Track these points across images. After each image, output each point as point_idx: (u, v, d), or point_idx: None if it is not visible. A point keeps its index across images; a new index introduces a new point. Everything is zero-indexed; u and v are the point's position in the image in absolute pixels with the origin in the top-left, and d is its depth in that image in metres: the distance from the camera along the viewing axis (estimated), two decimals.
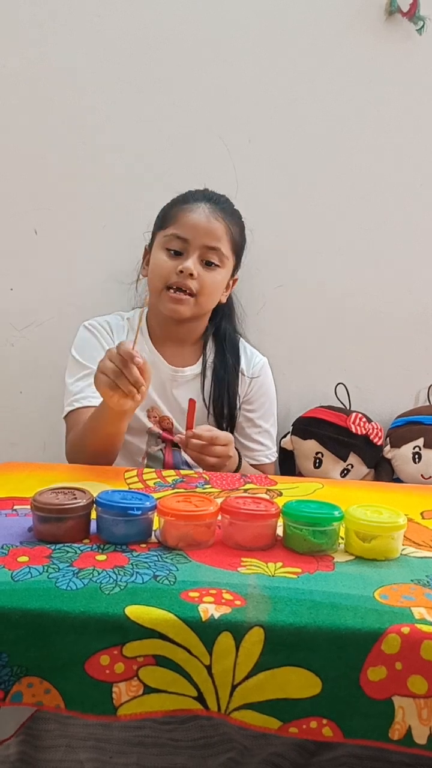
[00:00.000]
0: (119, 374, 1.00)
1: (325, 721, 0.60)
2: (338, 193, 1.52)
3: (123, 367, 1.00)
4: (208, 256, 1.25)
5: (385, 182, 1.52)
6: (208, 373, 1.35)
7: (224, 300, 1.36)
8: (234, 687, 0.60)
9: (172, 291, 1.25)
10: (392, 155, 1.51)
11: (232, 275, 1.34)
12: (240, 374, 1.36)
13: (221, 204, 1.29)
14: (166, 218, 1.29)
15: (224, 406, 1.33)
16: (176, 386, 1.34)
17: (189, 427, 1.14)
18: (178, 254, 1.25)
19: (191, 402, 1.16)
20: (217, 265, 1.27)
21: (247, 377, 1.37)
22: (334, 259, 1.54)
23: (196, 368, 1.35)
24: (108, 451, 1.16)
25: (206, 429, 1.12)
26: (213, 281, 1.26)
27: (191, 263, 1.23)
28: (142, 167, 1.49)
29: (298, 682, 0.60)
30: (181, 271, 1.23)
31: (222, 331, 1.39)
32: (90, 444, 1.14)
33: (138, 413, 1.28)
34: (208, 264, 1.26)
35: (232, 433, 1.32)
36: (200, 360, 1.36)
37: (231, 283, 1.35)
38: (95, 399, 1.18)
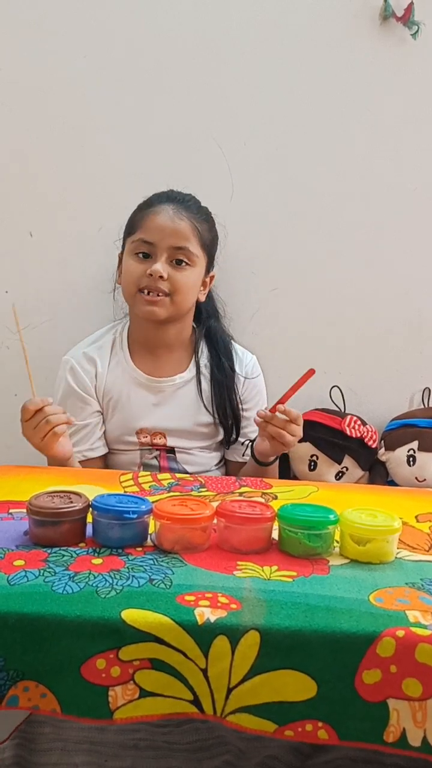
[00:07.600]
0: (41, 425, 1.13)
1: (320, 724, 0.60)
2: (333, 196, 1.52)
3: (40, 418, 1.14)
4: (176, 256, 1.25)
5: (380, 186, 1.53)
6: (203, 378, 1.34)
7: (202, 298, 1.34)
8: (230, 690, 0.60)
9: (145, 293, 1.25)
10: (388, 159, 1.52)
11: (207, 272, 1.33)
12: (235, 375, 1.36)
13: (186, 203, 1.28)
14: (133, 224, 1.29)
15: (227, 408, 1.33)
16: (171, 393, 1.32)
17: (288, 395, 1.16)
18: (147, 257, 1.25)
19: (310, 371, 1.17)
20: (188, 264, 1.26)
21: (241, 377, 1.37)
22: (329, 263, 1.55)
23: (188, 374, 1.34)
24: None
25: (289, 409, 1.16)
26: (185, 280, 1.26)
27: (160, 266, 1.23)
28: (139, 170, 1.49)
29: (294, 685, 0.60)
30: (151, 274, 1.23)
31: (213, 332, 1.38)
32: None
33: (125, 438, 1.31)
34: (178, 263, 1.25)
35: (238, 435, 1.34)
36: (192, 364, 1.35)
37: (208, 280, 1.34)
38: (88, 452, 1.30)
